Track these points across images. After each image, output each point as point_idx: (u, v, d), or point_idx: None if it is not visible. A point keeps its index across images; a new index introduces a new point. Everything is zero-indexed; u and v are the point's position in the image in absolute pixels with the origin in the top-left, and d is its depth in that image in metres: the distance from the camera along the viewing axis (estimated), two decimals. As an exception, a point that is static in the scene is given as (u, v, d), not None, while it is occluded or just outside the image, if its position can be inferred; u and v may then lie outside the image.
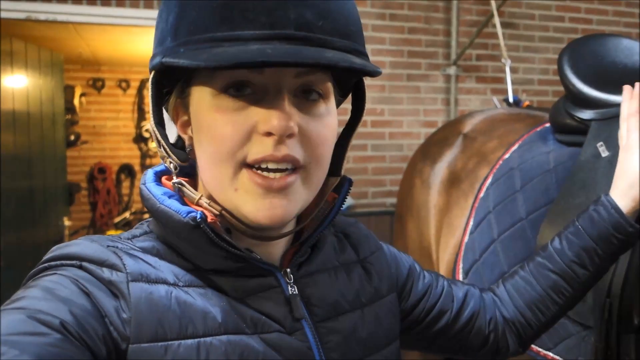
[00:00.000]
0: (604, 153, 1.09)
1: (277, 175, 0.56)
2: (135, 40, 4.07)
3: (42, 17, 2.82)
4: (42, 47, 3.71)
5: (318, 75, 0.58)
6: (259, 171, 0.56)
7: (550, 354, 1.06)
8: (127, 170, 5.50)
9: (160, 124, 0.61)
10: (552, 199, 1.19)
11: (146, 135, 5.48)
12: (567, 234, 0.86)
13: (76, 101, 5.28)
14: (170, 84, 0.62)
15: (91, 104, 5.49)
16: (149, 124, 0.62)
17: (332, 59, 0.52)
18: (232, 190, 0.58)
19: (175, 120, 0.64)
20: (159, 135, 0.60)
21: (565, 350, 1.04)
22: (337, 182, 0.68)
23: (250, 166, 0.56)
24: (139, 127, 5.54)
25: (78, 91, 5.34)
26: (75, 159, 5.30)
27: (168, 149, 0.61)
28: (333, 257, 0.71)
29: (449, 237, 1.50)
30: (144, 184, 0.62)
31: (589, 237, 0.83)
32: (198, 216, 0.56)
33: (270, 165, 0.56)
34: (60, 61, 3.95)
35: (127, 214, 5.33)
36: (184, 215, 0.56)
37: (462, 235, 1.39)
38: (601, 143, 1.10)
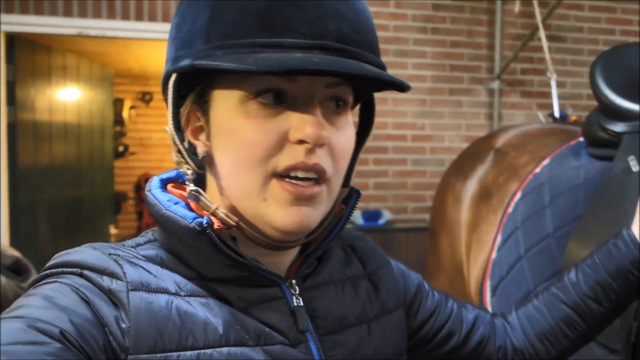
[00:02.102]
0: (635, 167, 1.03)
1: (306, 184, 0.56)
2: (182, 55, 4.19)
3: (92, 32, 2.95)
4: (94, 62, 3.88)
5: (344, 88, 0.58)
6: (287, 179, 0.56)
7: (576, 379, 1.00)
8: (172, 181, 5.64)
9: (179, 128, 0.60)
10: (580, 214, 1.14)
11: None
12: (584, 266, 0.81)
13: (125, 114, 5.49)
14: (187, 88, 0.60)
15: (139, 117, 5.68)
16: (167, 128, 0.60)
17: (374, 71, 0.53)
18: (260, 199, 0.57)
19: (186, 125, 0.62)
20: (177, 141, 0.59)
21: (592, 375, 0.99)
22: (346, 193, 0.67)
23: (279, 175, 0.56)
24: (185, 139, 5.67)
25: (127, 104, 5.54)
26: (123, 169, 5.49)
27: (186, 155, 0.59)
28: (340, 269, 0.69)
29: (478, 254, 1.46)
30: (149, 190, 0.61)
31: (605, 272, 0.78)
32: (204, 222, 0.55)
33: (300, 174, 0.55)
34: (110, 75, 4.11)
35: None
36: (190, 221, 0.55)
37: (490, 252, 1.35)
38: (632, 157, 1.04)
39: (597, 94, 1.23)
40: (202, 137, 0.61)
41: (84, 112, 3.76)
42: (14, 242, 2.93)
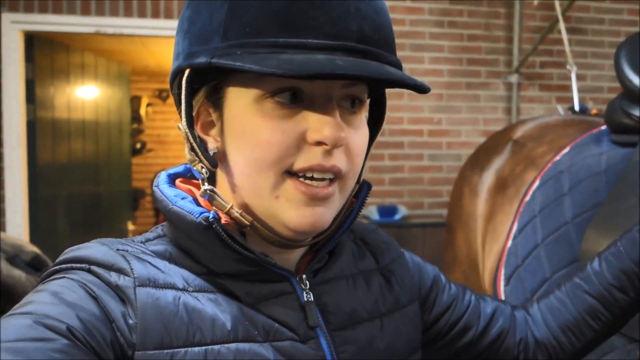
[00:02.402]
0: (659, 154, 1.00)
1: (321, 184, 0.55)
2: (198, 52, 4.20)
3: (109, 30, 2.97)
4: (111, 60, 3.91)
5: (361, 87, 0.58)
6: (301, 179, 0.55)
7: (594, 370, 0.98)
8: (189, 178, 5.68)
9: (192, 126, 0.58)
10: (600, 202, 1.11)
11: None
12: (607, 255, 0.78)
13: (142, 111, 5.53)
14: (198, 83, 0.58)
15: (157, 114, 5.73)
16: (180, 125, 0.58)
17: (397, 75, 0.53)
18: (272, 197, 0.56)
19: (196, 120, 0.60)
20: (191, 138, 0.57)
21: (610, 366, 0.96)
22: (357, 188, 0.66)
23: (293, 174, 0.55)
24: (201, 136, 5.71)
25: (144, 101, 5.59)
26: (141, 166, 5.54)
27: (200, 153, 0.58)
28: (352, 264, 0.68)
29: (493, 244, 1.44)
30: (157, 185, 0.61)
31: (630, 260, 0.75)
32: (211, 216, 0.55)
33: (316, 175, 0.55)
34: (127, 73, 4.15)
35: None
36: (197, 216, 0.55)
37: (506, 241, 1.32)
38: (657, 143, 1.02)
39: (622, 79, 1.19)
40: (213, 132, 0.59)
41: (102, 109, 3.80)
42: (33, 239, 2.97)
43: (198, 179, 0.63)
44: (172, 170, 0.65)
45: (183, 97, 0.57)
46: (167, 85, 5.91)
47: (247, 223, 0.57)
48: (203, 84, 0.58)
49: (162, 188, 0.60)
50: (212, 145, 0.59)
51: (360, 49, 0.53)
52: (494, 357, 0.78)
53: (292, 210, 0.55)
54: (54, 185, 3.27)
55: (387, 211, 3.21)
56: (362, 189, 0.66)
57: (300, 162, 0.54)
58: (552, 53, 3.39)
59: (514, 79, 3.31)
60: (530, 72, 3.38)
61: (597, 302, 0.77)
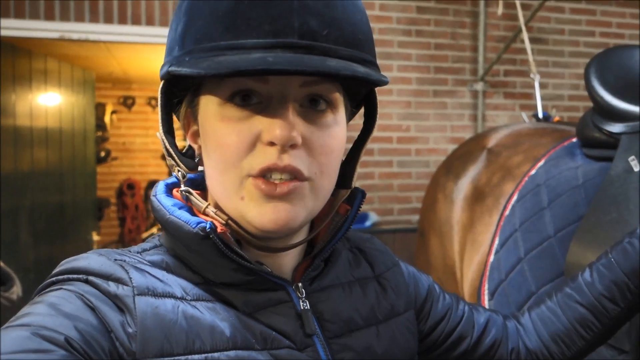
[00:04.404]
0: (637, 167, 1.04)
1: (281, 181, 0.56)
2: (165, 59, 4.15)
3: (75, 36, 2.90)
4: (75, 66, 3.82)
5: (325, 85, 0.57)
6: (261, 178, 0.56)
7: (583, 380, 1.01)
8: (155, 186, 5.59)
9: (169, 132, 0.61)
10: (581, 215, 1.15)
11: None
12: (598, 266, 0.81)
13: (107, 118, 5.41)
14: (180, 92, 0.62)
15: (122, 121, 5.62)
16: (158, 134, 0.62)
17: (334, 67, 0.52)
18: (238, 198, 0.57)
19: (186, 129, 0.64)
20: (167, 144, 0.61)
21: (599, 376, 0.99)
22: (348, 194, 0.66)
23: (254, 176, 0.56)
24: (167, 143, 5.62)
25: (109, 109, 5.47)
26: (105, 174, 5.42)
27: (176, 157, 0.61)
28: (347, 271, 0.69)
29: (473, 254, 1.46)
30: (155, 195, 0.62)
31: (621, 271, 0.78)
32: (207, 226, 0.55)
33: (274, 175, 0.55)
34: (92, 79, 4.05)
35: (154, 229, 5.40)
36: (194, 226, 0.56)
37: (488, 255, 1.35)
38: (633, 157, 1.06)
39: (593, 96, 1.24)
40: (199, 140, 0.62)
41: (66, 117, 3.70)
42: (-5, 251, 2.86)
43: (196, 190, 0.64)
44: (169, 180, 0.65)
45: (159, 105, 0.60)
46: (132, 92, 5.80)
47: (222, 221, 0.58)
48: (185, 94, 0.62)
49: (160, 198, 0.61)
50: (198, 151, 0.63)
51: (302, 45, 0.53)
52: None
53: (255, 209, 0.56)
54: (16, 195, 3.16)
55: (358, 218, 3.20)
56: (356, 196, 0.67)
57: (257, 163, 0.55)
58: (516, 62, 3.49)
59: (479, 86, 3.39)
60: (494, 80, 3.47)
61: (589, 312, 0.79)
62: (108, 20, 2.93)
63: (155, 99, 5.60)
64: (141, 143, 5.64)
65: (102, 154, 5.36)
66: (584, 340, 0.80)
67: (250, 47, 0.52)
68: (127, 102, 5.59)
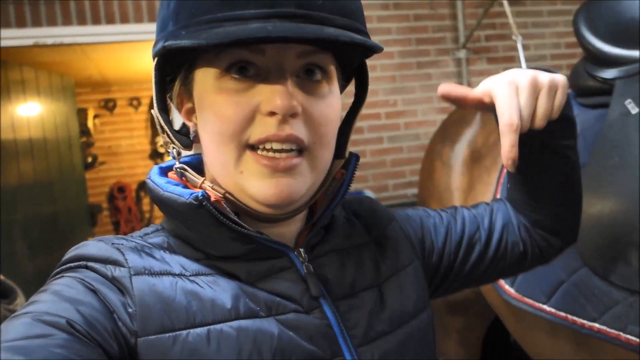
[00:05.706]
0: (634, 110, 1.04)
1: (283, 155, 0.56)
2: (143, 57, 4.09)
3: (49, 41, 2.84)
4: (53, 73, 3.75)
5: (321, 56, 0.58)
6: (263, 152, 0.56)
7: (597, 325, 1.01)
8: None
9: (164, 110, 0.61)
10: (583, 163, 1.15)
11: (161, 150, 5.52)
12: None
13: (90, 123, 5.35)
14: (173, 71, 0.62)
15: (105, 125, 5.55)
16: (153, 111, 0.62)
17: (333, 34, 0.52)
18: (237, 172, 0.57)
19: (179, 108, 0.64)
20: (162, 121, 0.61)
21: (612, 319, 0.99)
22: (342, 163, 0.67)
23: (254, 148, 0.56)
24: (153, 143, 5.58)
25: (91, 113, 5.40)
26: (95, 180, 5.36)
27: (171, 135, 0.61)
28: (347, 237, 0.70)
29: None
30: (149, 177, 0.63)
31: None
32: (200, 194, 0.56)
33: (275, 146, 0.55)
34: (71, 85, 4.00)
35: (150, 230, 5.37)
36: (187, 197, 0.56)
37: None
38: (629, 100, 1.06)
39: (583, 43, 1.24)
40: (194, 117, 0.62)
41: (49, 125, 3.65)
42: (-7, 266, 2.83)
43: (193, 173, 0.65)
44: (163, 165, 0.66)
45: (153, 83, 0.60)
46: (112, 95, 5.72)
47: (220, 195, 0.59)
48: (178, 72, 0.62)
49: (154, 178, 0.62)
50: (193, 129, 0.63)
51: (299, 14, 0.53)
52: (506, 252, 0.81)
53: (256, 183, 0.56)
54: (7, 209, 3.12)
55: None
56: (350, 161, 0.67)
57: (257, 134, 0.55)
58: (496, 26, 3.48)
59: (462, 54, 3.38)
60: (476, 47, 3.46)
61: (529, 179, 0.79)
62: (81, 21, 2.87)
63: (137, 98, 5.55)
64: (127, 145, 5.58)
65: (89, 159, 5.30)
66: (552, 196, 0.80)
67: (248, 18, 0.52)
68: (109, 105, 5.52)
